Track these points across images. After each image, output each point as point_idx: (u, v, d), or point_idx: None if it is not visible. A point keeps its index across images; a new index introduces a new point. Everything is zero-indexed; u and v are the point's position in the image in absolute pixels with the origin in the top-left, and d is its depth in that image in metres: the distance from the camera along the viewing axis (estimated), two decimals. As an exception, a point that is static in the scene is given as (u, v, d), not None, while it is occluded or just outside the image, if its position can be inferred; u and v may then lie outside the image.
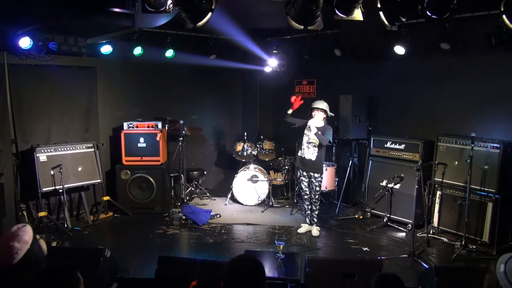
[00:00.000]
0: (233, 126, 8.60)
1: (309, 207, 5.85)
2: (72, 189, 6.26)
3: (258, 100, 8.66)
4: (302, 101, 5.71)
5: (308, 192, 5.78)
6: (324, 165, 6.88)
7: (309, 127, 5.54)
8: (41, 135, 6.16)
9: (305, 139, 5.67)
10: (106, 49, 6.16)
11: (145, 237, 5.72)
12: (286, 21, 3.83)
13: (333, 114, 5.84)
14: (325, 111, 5.60)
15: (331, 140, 5.66)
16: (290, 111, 5.73)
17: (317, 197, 5.75)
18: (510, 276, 1.92)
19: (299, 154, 5.75)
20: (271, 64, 7.46)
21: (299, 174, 5.82)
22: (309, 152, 5.62)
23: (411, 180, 5.71)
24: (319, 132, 5.48)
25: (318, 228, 5.86)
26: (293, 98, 5.72)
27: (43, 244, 2.50)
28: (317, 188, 5.70)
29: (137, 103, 7.27)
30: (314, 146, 5.58)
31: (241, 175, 7.08)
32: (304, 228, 5.90)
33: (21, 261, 2.24)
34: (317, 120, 5.57)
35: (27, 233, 2.33)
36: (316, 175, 5.65)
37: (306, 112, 5.76)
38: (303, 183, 5.78)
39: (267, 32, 7.16)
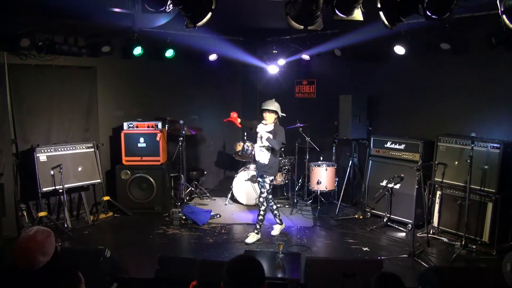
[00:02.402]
0: (233, 126, 8.58)
1: (274, 207, 5.71)
2: (72, 189, 6.26)
3: (258, 100, 8.64)
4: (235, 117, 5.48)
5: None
6: (324, 165, 6.91)
7: (258, 134, 5.34)
8: (41, 135, 6.16)
9: (258, 142, 5.46)
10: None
11: (145, 237, 5.72)
12: (286, 21, 3.83)
13: (284, 114, 5.48)
14: (275, 112, 5.32)
15: (284, 142, 5.39)
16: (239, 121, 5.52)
17: (261, 200, 5.50)
18: None
19: (255, 156, 5.56)
20: (272, 70, 7.48)
21: (256, 174, 5.62)
22: (262, 155, 5.40)
23: (411, 180, 5.71)
24: (270, 137, 5.22)
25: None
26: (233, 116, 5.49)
27: (58, 249, 2.50)
28: (262, 190, 5.45)
29: (137, 103, 7.27)
30: (267, 149, 5.35)
31: (241, 175, 7.08)
32: (276, 229, 5.78)
33: (40, 269, 2.24)
34: (267, 123, 5.33)
35: (52, 245, 2.31)
36: (265, 176, 5.41)
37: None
38: (260, 184, 5.62)
39: (267, 32, 7.16)
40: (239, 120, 5.53)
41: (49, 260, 2.25)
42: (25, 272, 2.19)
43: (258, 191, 6.79)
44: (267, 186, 5.45)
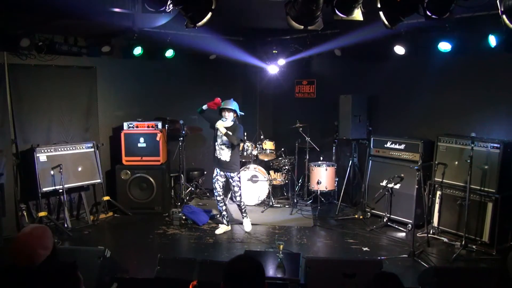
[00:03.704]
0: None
1: (223, 208, 5.89)
2: (72, 189, 6.26)
3: (258, 100, 8.66)
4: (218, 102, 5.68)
5: (221, 193, 5.82)
6: (324, 165, 6.92)
7: (218, 129, 5.59)
8: (41, 135, 6.16)
9: (218, 141, 5.69)
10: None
11: (145, 237, 5.72)
12: (286, 21, 3.83)
13: (242, 113, 5.83)
14: (234, 111, 5.61)
15: (243, 138, 5.70)
16: (205, 107, 5.71)
17: (238, 198, 5.81)
18: None
19: (215, 155, 5.74)
20: (272, 70, 7.50)
21: (215, 173, 5.80)
22: (223, 153, 5.65)
23: (411, 180, 5.71)
24: (229, 132, 5.50)
25: (249, 220, 6.01)
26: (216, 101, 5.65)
27: (56, 244, 2.52)
28: (236, 189, 5.75)
29: (137, 103, 7.27)
30: (227, 147, 5.63)
31: (241, 175, 7.06)
32: (222, 229, 5.90)
33: (41, 263, 2.25)
34: (227, 120, 5.58)
35: (50, 239, 2.34)
36: (232, 174, 5.71)
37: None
38: (217, 183, 5.79)
39: (267, 32, 7.16)
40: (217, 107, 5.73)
41: (49, 255, 2.26)
42: (25, 271, 2.19)
43: (259, 191, 6.86)
44: (239, 184, 5.80)
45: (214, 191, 5.85)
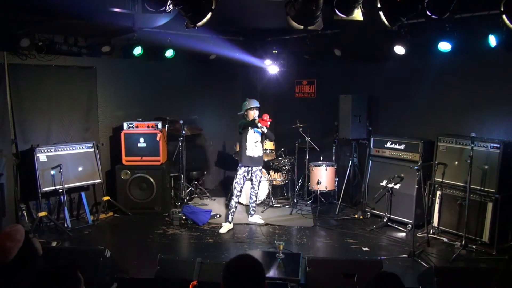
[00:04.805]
0: (233, 126, 8.58)
1: (236, 206, 6.04)
2: (72, 189, 6.27)
3: (258, 100, 8.64)
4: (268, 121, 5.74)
5: (241, 189, 6.06)
6: (324, 165, 6.95)
7: (262, 128, 5.84)
8: (41, 135, 6.16)
9: (252, 139, 5.91)
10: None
11: (145, 237, 5.73)
12: (286, 21, 3.83)
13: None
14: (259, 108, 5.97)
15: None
16: (260, 125, 5.78)
17: (257, 189, 6.20)
18: None
19: (248, 154, 5.89)
20: (272, 70, 7.52)
21: (243, 171, 5.96)
22: (257, 149, 5.95)
23: (411, 180, 5.71)
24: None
25: (259, 216, 6.35)
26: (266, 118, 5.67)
27: (36, 242, 2.51)
28: (261, 174, 6.16)
29: (137, 103, 7.27)
30: (259, 143, 6.00)
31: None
32: (225, 227, 5.93)
33: (15, 259, 2.25)
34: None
35: (19, 231, 2.34)
36: (261, 167, 6.13)
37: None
38: (243, 179, 6.02)
39: (267, 32, 7.16)
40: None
41: (21, 247, 2.26)
42: (6, 268, 2.19)
43: (259, 191, 6.85)
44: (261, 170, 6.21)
45: (237, 186, 5.97)
